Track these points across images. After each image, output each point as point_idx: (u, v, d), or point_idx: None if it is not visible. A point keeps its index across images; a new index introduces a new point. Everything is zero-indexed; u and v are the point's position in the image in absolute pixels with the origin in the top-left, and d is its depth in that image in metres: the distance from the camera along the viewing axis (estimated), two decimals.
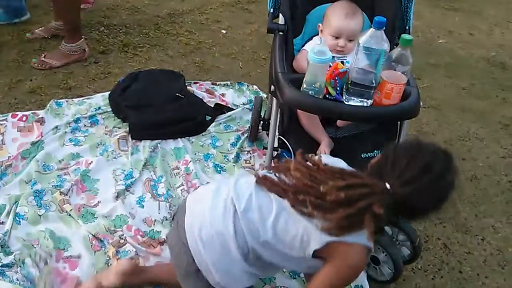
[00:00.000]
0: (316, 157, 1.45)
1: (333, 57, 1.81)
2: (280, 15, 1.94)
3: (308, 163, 1.42)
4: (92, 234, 1.94)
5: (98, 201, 2.10)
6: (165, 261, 1.85)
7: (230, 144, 2.51)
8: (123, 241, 1.93)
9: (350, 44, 1.87)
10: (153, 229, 2.00)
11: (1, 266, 1.77)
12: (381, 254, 1.87)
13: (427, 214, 1.44)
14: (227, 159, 2.42)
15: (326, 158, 1.53)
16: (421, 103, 1.62)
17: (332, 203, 1.30)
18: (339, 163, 1.52)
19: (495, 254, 2.14)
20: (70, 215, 2.01)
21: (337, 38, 1.87)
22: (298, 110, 1.84)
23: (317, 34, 1.97)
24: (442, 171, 1.34)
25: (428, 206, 1.39)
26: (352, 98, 1.56)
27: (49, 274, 1.78)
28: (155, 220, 2.03)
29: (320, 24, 1.94)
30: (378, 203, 1.29)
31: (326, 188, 1.32)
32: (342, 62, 1.82)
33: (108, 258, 1.87)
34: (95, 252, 1.90)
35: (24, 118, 2.47)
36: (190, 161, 2.34)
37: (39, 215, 1.99)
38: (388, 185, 1.32)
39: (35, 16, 3.50)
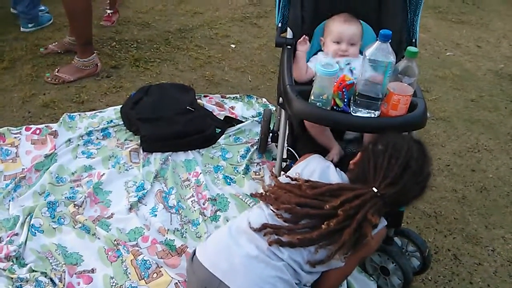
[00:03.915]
0: (294, 176, 1.56)
1: (337, 62, 1.86)
2: (288, 29, 1.98)
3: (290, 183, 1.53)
4: (109, 245, 1.97)
5: (112, 213, 2.13)
6: (183, 272, 1.86)
7: (240, 156, 2.54)
8: (140, 250, 1.96)
9: (352, 48, 1.93)
10: (167, 238, 2.02)
11: (17, 278, 1.80)
12: (391, 264, 1.88)
13: (410, 204, 1.61)
14: (237, 171, 2.45)
15: (304, 169, 1.63)
16: (428, 114, 1.64)
17: (335, 225, 1.39)
18: (320, 171, 1.59)
19: (506, 265, 2.13)
20: (84, 225, 2.04)
21: (338, 43, 1.93)
22: (306, 122, 1.86)
23: (321, 50, 2.01)
24: (420, 165, 1.47)
25: (412, 198, 1.52)
26: (360, 109, 1.58)
27: None
28: (168, 230, 2.06)
29: (321, 38, 1.99)
30: (372, 211, 1.40)
31: (325, 211, 1.41)
32: (350, 70, 1.85)
33: (125, 268, 1.89)
34: (111, 263, 1.92)
35: (37, 131, 2.53)
36: (201, 173, 2.37)
37: (53, 228, 2.03)
38: (375, 189, 1.42)
39: (48, 32, 3.59)
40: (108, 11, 3.81)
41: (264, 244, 1.47)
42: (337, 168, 1.63)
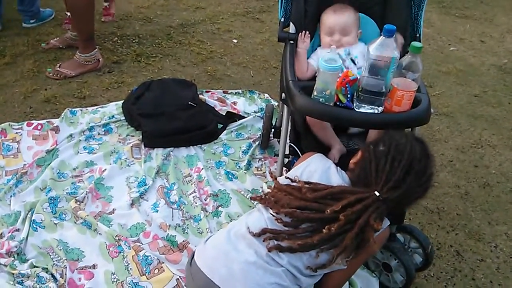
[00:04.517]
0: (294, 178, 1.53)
1: (337, 53, 1.85)
2: (291, 24, 1.97)
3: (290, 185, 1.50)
4: (110, 241, 1.97)
5: (113, 209, 2.13)
6: (184, 268, 1.83)
7: (242, 152, 2.53)
8: (141, 245, 1.96)
9: (346, 38, 1.92)
10: (168, 234, 2.01)
11: (19, 274, 1.80)
12: (393, 261, 1.87)
13: (414, 204, 1.56)
14: (239, 166, 2.44)
15: (304, 169, 1.59)
16: (432, 110, 1.62)
17: (336, 229, 1.36)
18: (321, 172, 1.57)
19: (509, 262, 2.12)
20: (85, 221, 2.04)
21: (331, 35, 1.93)
22: (308, 119, 1.85)
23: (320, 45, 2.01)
24: (423, 166, 1.43)
25: (415, 199, 1.49)
26: (363, 105, 1.57)
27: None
28: (169, 225, 2.05)
29: (320, 33, 1.99)
30: (374, 215, 1.37)
31: (326, 215, 1.38)
32: (352, 60, 1.84)
33: (127, 264, 1.89)
34: (113, 259, 1.91)
35: (39, 127, 2.52)
36: (202, 169, 2.36)
37: (55, 223, 2.03)
38: (377, 193, 1.39)
39: (50, 27, 3.58)
40: (105, 4, 3.73)
41: (263, 250, 1.45)
42: (338, 168, 1.60)
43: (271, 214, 1.48)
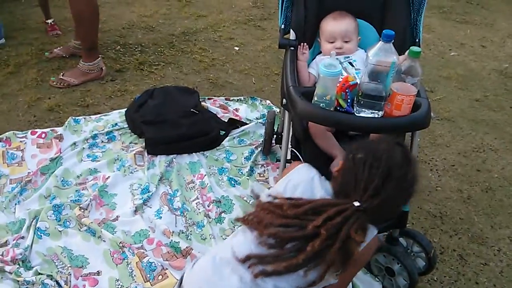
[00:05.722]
0: (276, 195, 1.45)
1: (336, 58, 1.85)
2: (291, 30, 1.99)
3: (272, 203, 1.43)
4: (114, 247, 1.98)
5: (117, 216, 2.14)
6: None
7: (244, 158, 2.54)
8: (145, 252, 1.97)
9: (348, 45, 1.95)
10: (172, 240, 2.02)
11: (24, 281, 1.81)
12: (396, 265, 1.88)
13: (399, 210, 1.57)
14: (241, 172, 2.45)
15: (287, 184, 1.54)
16: (433, 115, 1.63)
17: (319, 245, 1.29)
18: (304, 185, 1.52)
19: None
20: (90, 228, 2.05)
21: (333, 42, 1.96)
22: (311, 129, 1.86)
23: (320, 53, 2.02)
24: (404, 172, 1.37)
25: (398, 205, 1.46)
26: (363, 110, 1.58)
27: None
28: (173, 232, 2.06)
29: (318, 39, 2.00)
30: (355, 227, 1.30)
31: (308, 232, 1.31)
32: (350, 63, 1.86)
33: (131, 270, 1.90)
34: (117, 265, 1.92)
35: (43, 135, 2.54)
36: (205, 175, 2.38)
37: (59, 231, 2.04)
38: (357, 203, 1.33)
39: (53, 36, 3.60)
40: (49, 21, 3.61)
41: (247, 275, 1.38)
42: (322, 178, 1.53)
43: (255, 237, 1.41)
